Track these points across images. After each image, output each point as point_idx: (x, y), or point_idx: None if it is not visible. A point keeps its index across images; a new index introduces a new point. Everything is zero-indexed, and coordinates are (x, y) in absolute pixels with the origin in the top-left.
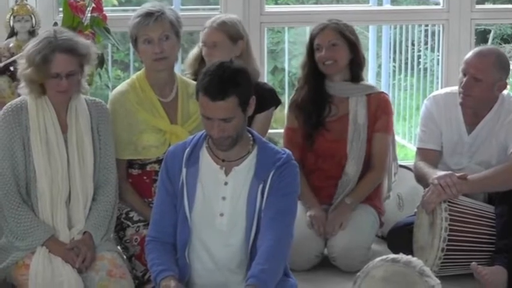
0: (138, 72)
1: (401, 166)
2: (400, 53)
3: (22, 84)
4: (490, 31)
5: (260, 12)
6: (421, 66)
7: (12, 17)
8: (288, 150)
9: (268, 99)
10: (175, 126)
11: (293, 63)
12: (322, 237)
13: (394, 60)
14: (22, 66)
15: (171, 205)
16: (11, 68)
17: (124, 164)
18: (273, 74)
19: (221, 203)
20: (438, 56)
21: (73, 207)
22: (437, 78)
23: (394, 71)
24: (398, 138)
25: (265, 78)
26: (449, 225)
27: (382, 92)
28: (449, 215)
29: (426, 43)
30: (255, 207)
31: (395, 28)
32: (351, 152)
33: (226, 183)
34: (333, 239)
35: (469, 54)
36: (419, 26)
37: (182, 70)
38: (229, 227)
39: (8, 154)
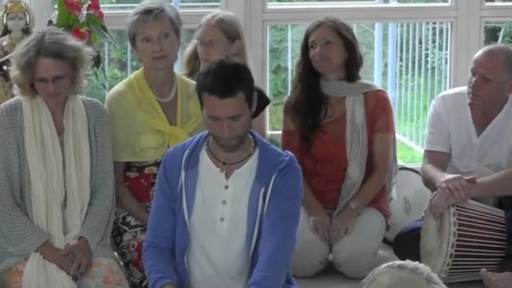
0: (136, 72)
1: (408, 169)
2: (407, 51)
3: (15, 85)
4: (500, 29)
5: (262, 9)
6: (429, 65)
7: (5, 15)
8: (290, 153)
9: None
10: (175, 128)
11: (295, 62)
12: (327, 242)
13: (401, 59)
14: (12, 68)
15: (169, 209)
16: (4, 68)
17: (121, 167)
18: (276, 73)
19: (221, 207)
20: (446, 54)
21: (69, 211)
22: (446, 77)
23: (401, 70)
24: (405, 140)
25: (267, 77)
26: (457, 230)
27: (380, 90)
28: (458, 219)
29: (434, 41)
30: (257, 211)
31: (402, 26)
32: (352, 154)
33: (226, 187)
34: (339, 244)
35: (479, 53)
36: (427, 23)
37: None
38: (229, 232)
39: (2, 156)
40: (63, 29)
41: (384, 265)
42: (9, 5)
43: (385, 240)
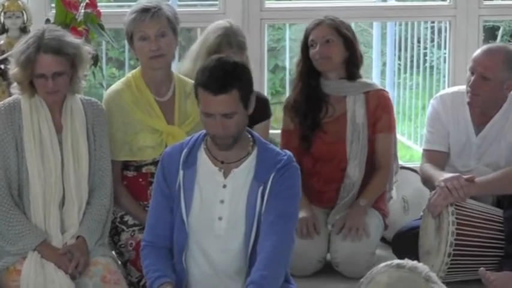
0: (134, 71)
1: (406, 168)
2: (406, 50)
3: (14, 84)
4: (498, 28)
5: (260, 8)
6: (427, 64)
7: (2, 13)
8: (289, 152)
9: (264, 110)
10: (172, 127)
11: (295, 61)
12: (304, 237)
13: (399, 58)
14: (11, 66)
15: (167, 208)
16: (2, 67)
17: (119, 166)
18: (274, 73)
19: (219, 206)
20: (445, 53)
21: (67, 210)
22: (444, 76)
23: (399, 69)
24: (403, 139)
25: (265, 76)
26: (456, 229)
27: (381, 89)
28: (457, 218)
29: (432, 40)
30: (255, 210)
31: (400, 25)
32: (352, 153)
33: (224, 186)
34: (336, 244)
35: (477, 52)
36: (426, 22)
37: (178, 68)
38: (227, 231)
39: (0, 154)
40: (60, 27)
41: (382, 264)
42: (6, 4)
43: (383, 240)
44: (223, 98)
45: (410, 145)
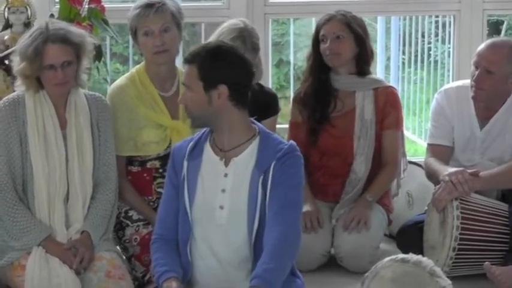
0: (138, 66)
1: (411, 162)
2: (410, 45)
3: (18, 81)
4: (503, 22)
5: (264, 2)
6: (432, 58)
7: (7, 9)
8: (292, 142)
9: (272, 105)
10: (177, 122)
11: (299, 56)
12: (308, 232)
13: (404, 53)
14: (16, 63)
15: (178, 200)
16: (6, 62)
17: (123, 161)
18: (278, 67)
19: (220, 195)
20: (449, 48)
21: (71, 205)
22: (449, 71)
23: (403, 64)
24: (408, 134)
25: (269, 71)
26: (461, 223)
27: (390, 86)
28: (461, 213)
29: (437, 35)
30: (257, 199)
31: (404, 19)
32: (359, 149)
33: (226, 175)
34: (340, 239)
35: (481, 46)
36: (430, 17)
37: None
38: (229, 221)
39: (4, 150)
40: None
41: (387, 259)
42: None
43: (388, 234)
44: (186, 68)
45: (414, 139)
